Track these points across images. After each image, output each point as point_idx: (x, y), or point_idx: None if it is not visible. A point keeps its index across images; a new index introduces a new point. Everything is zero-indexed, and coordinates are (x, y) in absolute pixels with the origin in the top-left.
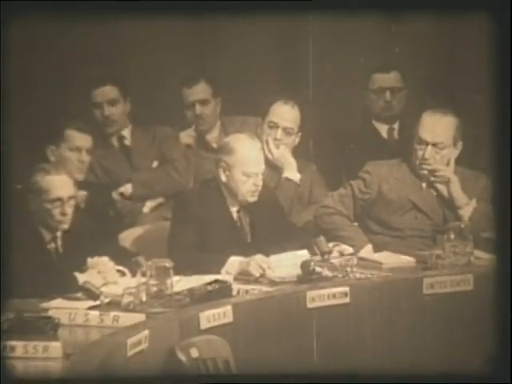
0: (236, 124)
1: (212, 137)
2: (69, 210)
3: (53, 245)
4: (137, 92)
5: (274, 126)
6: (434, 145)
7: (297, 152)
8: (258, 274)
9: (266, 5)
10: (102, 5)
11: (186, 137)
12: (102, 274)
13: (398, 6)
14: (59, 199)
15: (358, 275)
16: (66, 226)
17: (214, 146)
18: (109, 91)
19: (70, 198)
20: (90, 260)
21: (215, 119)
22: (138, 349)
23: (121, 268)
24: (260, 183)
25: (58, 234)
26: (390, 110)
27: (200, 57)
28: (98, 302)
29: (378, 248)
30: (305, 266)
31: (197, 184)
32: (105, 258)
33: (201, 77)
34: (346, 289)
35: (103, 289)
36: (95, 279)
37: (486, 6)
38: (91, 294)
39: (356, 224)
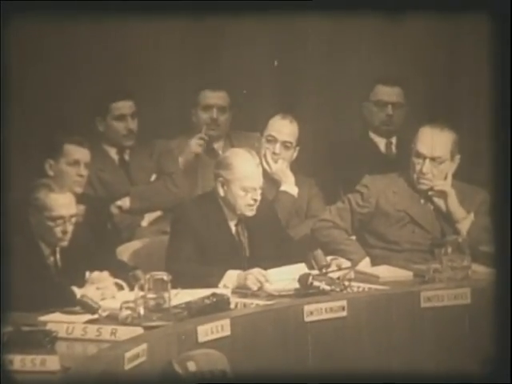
0: (241, 138)
1: (219, 146)
2: (69, 228)
3: (52, 259)
4: (137, 105)
5: (272, 140)
6: (432, 159)
7: (294, 166)
8: (255, 288)
9: (264, 16)
10: (104, 7)
11: (196, 145)
12: (101, 289)
13: (398, 8)
14: (61, 218)
15: (355, 289)
16: (65, 244)
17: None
18: (128, 106)
19: (72, 216)
20: (88, 274)
21: (225, 130)
22: (136, 362)
23: (119, 281)
24: (258, 197)
25: (57, 248)
26: (390, 124)
27: (199, 71)
28: (95, 316)
29: (375, 261)
30: (302, 279)
31: (195, 197)
32: (104, 273)
33: (225, 86)
34: (344, 302)
35: (101, 303)
36: (93, 293)
37: (486, 7)
38: (89, 308)
39: (354, 237)
